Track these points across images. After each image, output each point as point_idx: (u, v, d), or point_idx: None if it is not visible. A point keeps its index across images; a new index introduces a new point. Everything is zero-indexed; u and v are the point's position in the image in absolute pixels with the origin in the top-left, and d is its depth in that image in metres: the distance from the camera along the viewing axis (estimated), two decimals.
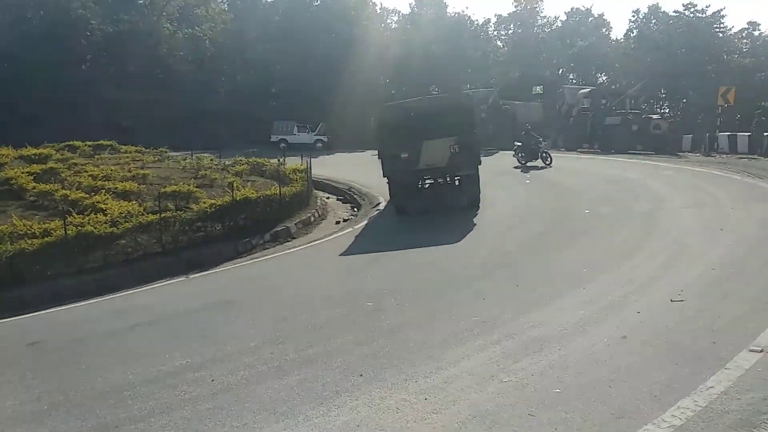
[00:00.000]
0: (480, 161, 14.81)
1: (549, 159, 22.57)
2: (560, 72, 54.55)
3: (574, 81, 50.07)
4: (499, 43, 57.47)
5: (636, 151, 27.11)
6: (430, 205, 14.90)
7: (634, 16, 53.27)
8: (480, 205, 14.63)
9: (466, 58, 49.27)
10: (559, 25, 56.89)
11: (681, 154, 26.44)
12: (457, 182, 15.11)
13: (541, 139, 23.35)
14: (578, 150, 29.92)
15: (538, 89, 41.32)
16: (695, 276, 7.82)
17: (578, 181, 18.01)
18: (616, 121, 28.89)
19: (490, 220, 13.35)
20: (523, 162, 22.61)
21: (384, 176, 14.90)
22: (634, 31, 52.52)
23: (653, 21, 51.35)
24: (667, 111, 46.53)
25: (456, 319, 6.80)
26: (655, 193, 15.00)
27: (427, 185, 15.57)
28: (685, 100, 47.24)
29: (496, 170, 22.20)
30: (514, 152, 23.37)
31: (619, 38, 55.50)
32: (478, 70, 51.56)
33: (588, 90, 33.21)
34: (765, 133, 26.07)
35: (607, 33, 56.34)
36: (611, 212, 13.00)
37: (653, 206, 13.23)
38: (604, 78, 53.70)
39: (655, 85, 40.78)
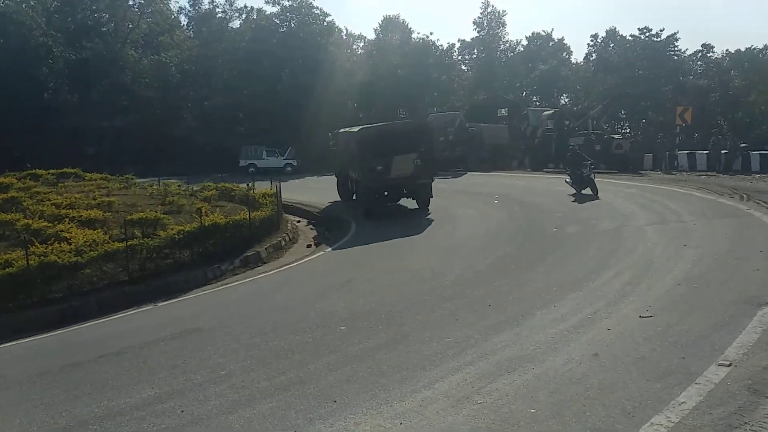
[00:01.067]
0: (435, 172, 18.37)
1: (594, 188, 18.20)
2: (524, 94, 55.72)
3: (538, 103, 51.16)
4: (463, 67, 58.48)
5: (599, 170, 27.63)
6: (391, 206, 18.74)
7: (592, 40, 54.70)
8: (452, 226, 15.09)
9: (431, 82, 49.92)
10: (521, 49, 58.26)
11: (643, 172, 27.13)
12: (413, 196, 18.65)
13: (590, 163, 18.88)
14: (544, 170, 30.47)
15: (503, 111, 42.07)
16: (662, 291, 7.97)
17: (545, 200, 18.29)
18: (579, 142, 29.47)
19: (461, 240, 13.45)
20: (577, 189, 18.76)
21: (350, 190, 20.43)
22: (593, 54, 54.02)
23: (611, 45, 52.93)
24: (627, 131, 47.81)
25: (429, 340, 6.79)
26: (619, 211, 15.31)
27: (386, 194, 18.51)
28: (644, 120, 48.65)
29: (466, 191, 22.47)
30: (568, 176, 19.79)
31: (579, 61, 57.06)
32: (443, 94, 52.29)
33: (551, 112, 33.99)
34: (722, 151, 26.99)
35: (567, 56, 57.89)
36: (578, 231, 13.21)
37: (619, 224, 13.50)
38: (567, 100, 55.04)
39: (616, 105, 41.93)
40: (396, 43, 52.02)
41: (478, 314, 7.71)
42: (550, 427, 4.47)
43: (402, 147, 17.51)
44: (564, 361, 5.80)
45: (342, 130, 22.47)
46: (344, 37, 53.04)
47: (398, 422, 4.80)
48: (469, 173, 30.64)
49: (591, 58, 54.29)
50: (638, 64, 46.80)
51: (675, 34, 47.96)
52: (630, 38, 50.12)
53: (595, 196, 17.93)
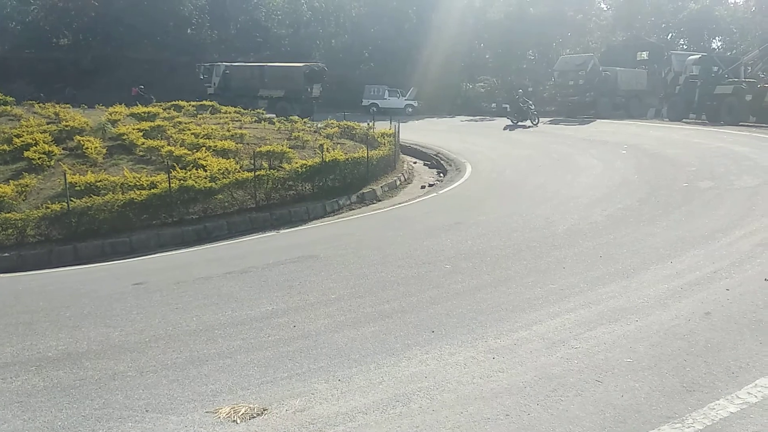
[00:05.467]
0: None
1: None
2: (669, 37, 50.82)
3: (685, 47, 46.67)
4: (602, 5, 54.27)
5: (749, 124, 25.14)
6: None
7: None
8: (572, 174, 14.89)
9: (565, 22, 46.98)
10: None
11: None
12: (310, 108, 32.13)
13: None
14: (683, 120, 28.16)
15: (644, 55, 38.92)
16: None
17: (679, 153, 17.06)
18: (727, 90, 26.79)
19: (580, 189, 13.00)
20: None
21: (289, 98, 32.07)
22: None
23: None
24: None
25: (532, 285, 6.82)
26: (765, 168, 13.97)
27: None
28: None
29: (592, 139, 21.47)
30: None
31: (737, 0, 50.84)
32: (578, 34, 49.07)
33: (698, 56, 30.88)
34: None
35: None
36: (712, 186, 12.29)
37: (761, 181, 12.37)
38: (719, 44, 49.61)
39: None
40: None
41: (587, 264, 7.57)
42: (645, 378, 4.42)
43: (316, 79, 33.02)
44: (671, 317, 5.62)
45: (235, 64, 35.67)
46: None
47: (491, 356, 4.97)
48: (598, 120, 29.13)
49: None
50: None
51: None
52: None
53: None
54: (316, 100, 33.12)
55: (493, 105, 39.32)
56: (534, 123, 27.21)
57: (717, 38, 50.29)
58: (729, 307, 5.76)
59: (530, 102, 28.12)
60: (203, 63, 35.32)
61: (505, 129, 25.32)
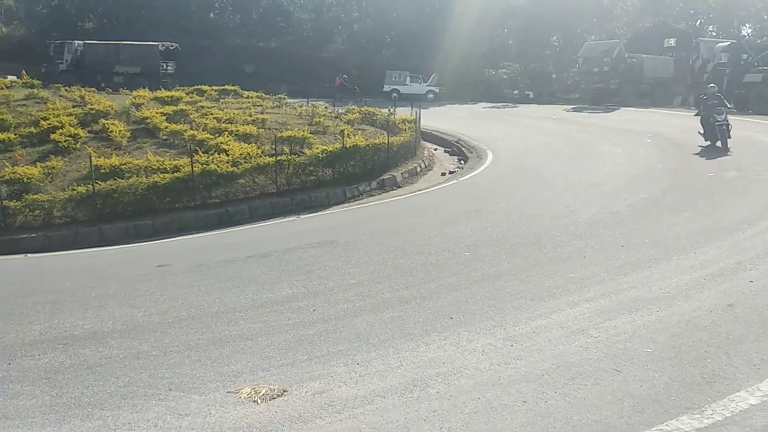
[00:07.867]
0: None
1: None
2: (698, 23, 49.75)
3: (714, 33, 45.62)
4: None
5: None
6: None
7: None
8: (595, 163, 14.64)
9: (590, 7, 46.16)
10: None
11: None
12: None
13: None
14: None
15: (671, 42, 38.05)
16: None
17: (705, 142, 16.72)
18: (756, 79, 26.13)
19: (603, 178, 12.86)
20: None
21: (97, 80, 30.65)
22: None
23: None
24: None
25: (552, 274, 6.79)
26: None
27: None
28: None
29: (616, 127, 21.18)
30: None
31: None
32: (603, 20, 48.13)
33: (727, 44, 30.11)
34: None
35: None
36: (738, 177, 12.08)
37: None
38: (749, 31, 48.42)
39: None
40: None
41: (608, 254, 7.52)
42: (665, 368, 4.40)
43: (172, 57, 35.92)
44: (693, 308, 5.57)
45: (89, 42, 35.54)
46: None
47: (509, 344, 4.98)
48: (622, 108, 28.65)
49: None
50: None
51: None
52: None
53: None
54: (170, 77, 34.73)
55: (516, 92, 38.90)
56: (723, 144, 14.96)
57: (747, 25, 49.07)
58: (752, 299, 5.69)
59: (726, 106, 15.83)
60: (54, 41, 36.01)
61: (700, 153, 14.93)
